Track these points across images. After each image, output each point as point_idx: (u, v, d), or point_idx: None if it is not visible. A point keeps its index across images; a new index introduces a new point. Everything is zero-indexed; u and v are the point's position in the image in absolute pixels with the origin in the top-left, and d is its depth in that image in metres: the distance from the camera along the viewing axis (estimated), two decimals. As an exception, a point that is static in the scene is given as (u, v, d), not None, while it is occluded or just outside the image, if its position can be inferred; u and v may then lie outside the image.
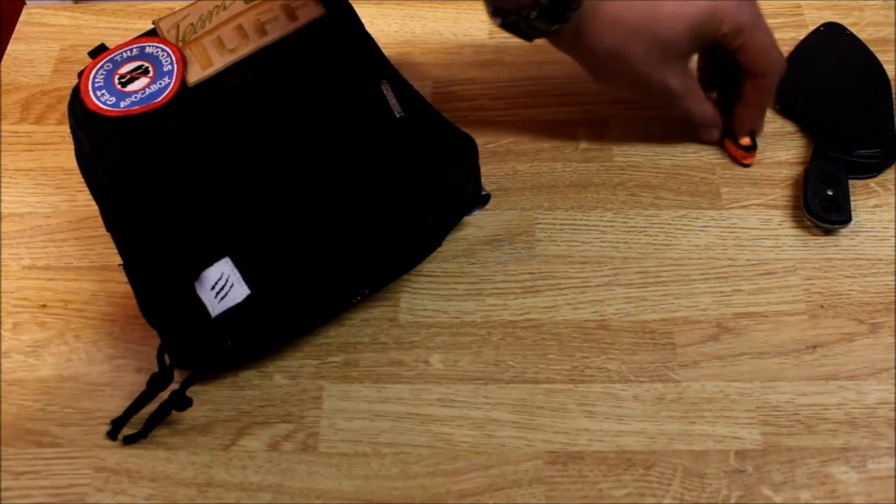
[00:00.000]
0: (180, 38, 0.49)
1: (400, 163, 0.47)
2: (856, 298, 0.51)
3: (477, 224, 0.54)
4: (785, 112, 0.59)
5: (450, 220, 0.51)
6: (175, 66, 0.47)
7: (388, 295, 0.52)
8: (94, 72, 0.49)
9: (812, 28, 0.63)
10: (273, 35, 0.49)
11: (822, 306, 0.51)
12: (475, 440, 0.47)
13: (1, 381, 0.49)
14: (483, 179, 0.56)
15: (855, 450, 0.46)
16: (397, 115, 0.47)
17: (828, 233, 0.53)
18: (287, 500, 0.45)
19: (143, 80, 0.47)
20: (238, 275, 0.44)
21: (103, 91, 0.48)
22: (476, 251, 0.53)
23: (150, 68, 0.47)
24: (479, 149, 0.57)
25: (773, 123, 0.59)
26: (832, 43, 0.62)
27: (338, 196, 0.45)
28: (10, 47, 0.65)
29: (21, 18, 0.66)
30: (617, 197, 0.56)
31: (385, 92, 0.47)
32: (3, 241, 0.54)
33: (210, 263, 0.44)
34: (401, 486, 0.45)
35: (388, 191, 0.46)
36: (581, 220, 0.55)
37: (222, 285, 0.43)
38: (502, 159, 0.57)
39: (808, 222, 0.54)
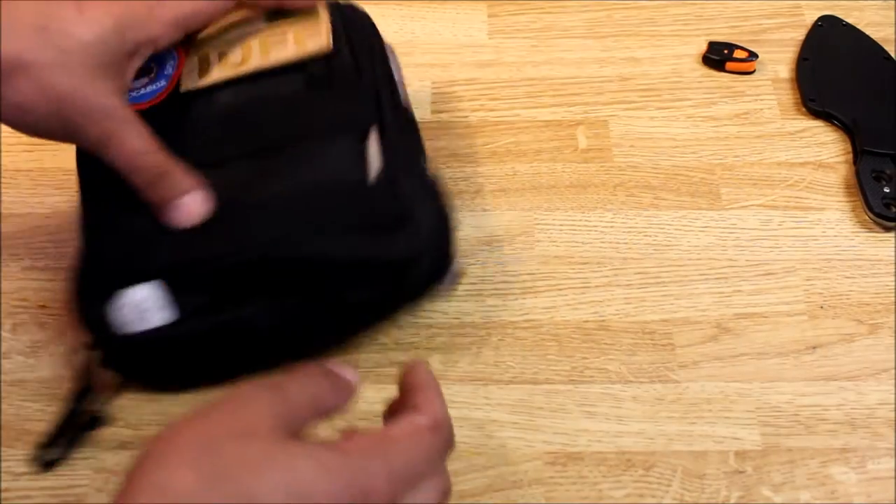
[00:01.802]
0: (192, 41, 0.48)
1: (346, 225, 0.43)
2: (856, 299, 0.51)
3: (477, 224, 0.54)
4: (817, 114, 0.59)
5: (400, 296, 0.46)
6: (175, 69, 0.46)
7: (387, 295, 0.52)
8: None
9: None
10: (277, 58, 0.46)
11: (821, 307, 0.51)
12: (475, 441, 0.47)
13: (1, 382, 0.49)
14: (483, 179, 0.56)
15: (854, 450, 0.46)
16: (370, 176, 0.43)
17: (888, 230, 0.54)
18: (287, 500, 0.45)
19: (143, 80, 0.46)
20: (164, 300, 0.42)
21: None
22: (476, 251, 0.53)
23: (154, 68, 0.47)
24: (479, 149, 0.58)
25: (773, 124, 0.59)
26: (835, 36, 0.63)
27: (271, 249, 0.42)
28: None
29: (21, 18, 0.66)
30: (617, 197, 0.56)
31: (368, 145, 0.44)
32: (3, 241, 0.54)
33: (139, 282, 0.41)
34: (400, 486, 0.45)
35: (320, 252, 0.42)
36: (581, 220, 0.55)
37: (146, 306, 0.41)
38: (502, 159, 0.57)
39: (862, 221, 0.54)
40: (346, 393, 0.37)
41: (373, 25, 0.52)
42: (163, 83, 0.46)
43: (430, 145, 0.58)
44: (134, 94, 0.46)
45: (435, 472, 0.35)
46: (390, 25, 0.65)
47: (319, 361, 0.38)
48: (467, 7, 0.66)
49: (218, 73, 0.46)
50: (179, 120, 0.45)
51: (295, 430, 0.33)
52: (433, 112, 0.60)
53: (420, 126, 0.59)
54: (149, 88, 0.46)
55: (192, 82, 0.46)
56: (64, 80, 0.40)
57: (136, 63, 0.43)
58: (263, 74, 0.45)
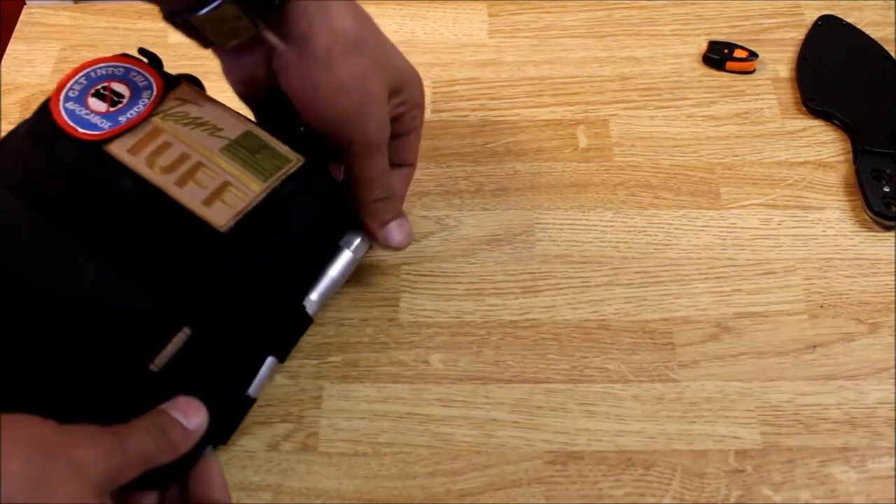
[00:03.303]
0: (160, 112, 0.46)
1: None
2: (856, 298, 0.51)
3: (477, 224, 0.54)
4: (817, 113, 0.59)
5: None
6: (126, 122, 0.45)
7: (387, 295, 0.52)
8: (95, 67, 0.48)
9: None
10: (182, 196, 0.43)
11: (822, 306, 0.51)
12: (475, 440, 0.47)
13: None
14: (483, 179, 0.56)
15: (855, 450, 0.46)
16: (152, 368, 0.40)
17: (888, 230, 0.54)
18: (287, 500, 0.45)
19: (103, 106, 0.45)
20: None
21: (79, 88, 0.46)
22: (476, 251, 0.53)
23: (123, 98, 0.46)
24: (479, 148, 0.58)
25: (773, 123, 0.59)
26: (835, 36, 0.63)
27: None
28: (10, 47, 0.65)
29: (21, 18, 0.66)
30: (617, 197, 0.56)
31: (174, 337, 0.41)
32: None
33: None
34: (400, 485, 0.45)
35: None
36: (581, 220, 0.55)
37: None
38: (502, 159, 0.57)
39: (863, 222, 0.54)
40: (181, 448, 0.40)
41: (334, 232, 0.49)
42: (106, 126, 0.44)
43: (430, 145, 0.58)
44: (82, 112, 0.45)
45: None
46: (390, 25, 0.65)
47: (161, 409, 0.39)
48: (467, 7, 0.66)
49: (141, 164, 0.44)
50: (76, 168, 0.44)
51: (117, 484, 0.36)
52: (433, 112, 0.60)
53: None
54: (95, 119, 0.45)
55: (121, 149, 0.44)
56: (377, 86, 0.44)
57: (399, 109, 0.47)
58: (165, 198, 0.43)
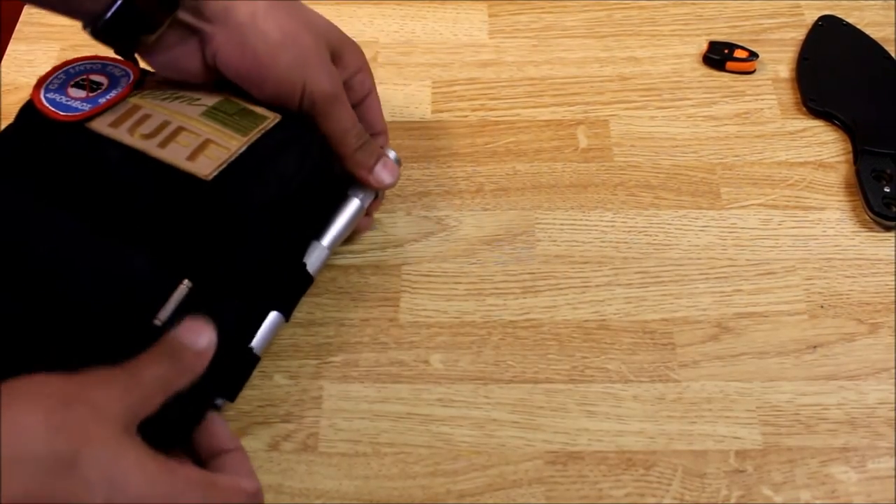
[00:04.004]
0: (138, 93, 0.47)
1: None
2: (856, 298, 0.51)
3: (477, 224, 0.54)
4: (817, 113, 0.59)
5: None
6: (104, 102, 0.46)
7: (387, 295, 0.52)
8: (71, 64, 0.49)
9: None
10: (166, 154, 0.45)
11: (822, 306, 0.51)
12: (475, 440, 0.47)
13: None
14: (483, 179, 0.56)
15: (855, 450, 0.46)
16: (156, 322, 0.40)
17: (888, 230, 0.54)
18: (287, 500, 0.45)
19: (82, 93, 0.47)
20: None
21: (58, 82, 0.48)
22: (476, 251, 0.53)
23: (101, 86, 0.47)
24: (479, 149, 0.58)
25: (773, 123, 0.59)
26: (835, 36, 0.63)
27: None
28: (10, 47, 0.65)
29: (21, 18, 0.66)
30: (617, 197, 0.56)
31: (175, 291, 0.41)
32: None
33: None
34: (400, 486, 0.45)
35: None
36: (581, 220, 0.55)
37: None
38: (502, 159, 0.57)
39: (864, 222, 0.54)
40: (196, 367, 0.39)
41: (324, 179, 0.49)
42: (86, 107, 0.46)
43: (429, 145, 0.58)
44: (63, 100, 0.46)
45: None
46: (390, 25, 0.65)
47: (170, 333, 0.39)
48: (468, 7, 0.66)
49: (123, 134, 0.45)
50: (63, 148, 0.45)
51: (142, 416, 0.36)
52: (433, 112, 0.60)
53: (420, 126, 0.59)
54: (76, 103, 0.46)
55: (102, 125, 0.46)
56: (311, 39, 0.46)
57: (345, 74, 0.48)
58: (149, 160, 0.44)
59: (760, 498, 0.44)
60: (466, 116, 0.60)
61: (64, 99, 0.47)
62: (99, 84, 0.47)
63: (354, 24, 0.65)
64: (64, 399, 0.34)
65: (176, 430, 0.41)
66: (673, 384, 0.48)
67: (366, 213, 0.52)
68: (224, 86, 0.47)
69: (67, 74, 0.48)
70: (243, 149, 0.45)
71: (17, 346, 0.40)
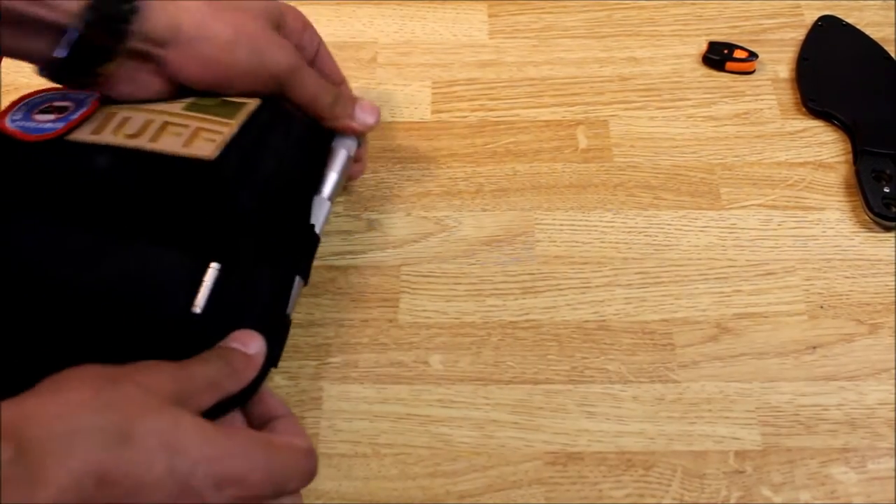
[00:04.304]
0: (112, 104, 0.47)
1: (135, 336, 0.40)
2: (856, 298, 0.51)
3: (477, 224, 0.54)
4: (817, 113, 0.59)
5: None
6: (78, 116, 0.45)
7: (387, 296, 0.52)
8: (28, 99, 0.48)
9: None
10: (161, 146, 0.44)
11: (821, 306, 0.51)
12: (475, 441, 0.47)
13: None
14: (483, 179, 0.56)
15: (855, 450, 0.46)
16: (195, 310, 0.40)
17: (888, 230, 0.54)
18: (287, 500, 0.45)
19: (51, 116, 0.46)
20: None
21: (21, 112, 0.47)
22: (476, 251, 0.53)
23: (68, 108, 0.46)
24: (479, 149, 0.58)
25: (773, 123, 0.59)
26: (835, 36, 0.63)
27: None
28: (9, 48, 0.65)
29: (21, 19, 0.66)
30: (617, 197, 0.56)
31: (204, 277, 0.41)
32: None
33: None
34: (400, 486, 0.45)
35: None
36: (581, 220, 0.55)
37: None
38: (502, 159, 0.57)
39: (863, 222, 0.54)
40: (247, 374, 0.40)
41: (321, 147, 0.51)
42: (60, 125, 0.45)
43: (429, 145, 0.58)
44: (32, 125, 0.45)
45: (296, 494, 0.39)
46: (390, 25, 0.65)
47: (219, 344, 0.40)
48: (467, 7, 0.66)
49: (108, 137, 0.45)
50: (48, 165, 0.44)
51: (192, 408, 0.36)
52: (433, 112, 0.60)
53: (420, 126, 0.59)
54: (47, 125, 0.45)
55: (84, 134, 0.45)
56: (258, 25, 0.47)
57: (294, 39, 0.50)
58: (144, 156, 0.44)
59: (760, 498, 0.44)
60: (466, 117, 0.60)
61: (32, 124, 0.45)
62: (65, 108, 0.46)
63: (354, 25, 0.65)
64: (112, 378, 0.34)
65: (234, 403, 0.41)
66: (672, 385, 0.48)
67: (355, 161, 0.53)
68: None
69: (28, 106, 0.47)
70: (236, 130, 0.45)
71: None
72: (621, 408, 0.48)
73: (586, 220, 0.55)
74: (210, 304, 0.40)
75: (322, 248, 0.53)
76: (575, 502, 0.45)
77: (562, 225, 0.54)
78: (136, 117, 0.46)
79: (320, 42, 0.52)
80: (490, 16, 0.65)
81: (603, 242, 0.54)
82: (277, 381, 0.49)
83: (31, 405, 0.33)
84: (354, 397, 0.48)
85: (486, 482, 0.45)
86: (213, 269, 0.41)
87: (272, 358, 0.44)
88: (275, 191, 0.45)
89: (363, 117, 0.51)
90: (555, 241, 0.54)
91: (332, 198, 0.50)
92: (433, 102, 0.60)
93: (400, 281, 0.52)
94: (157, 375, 0.36)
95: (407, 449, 0.46)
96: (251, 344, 0.41)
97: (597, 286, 0.52)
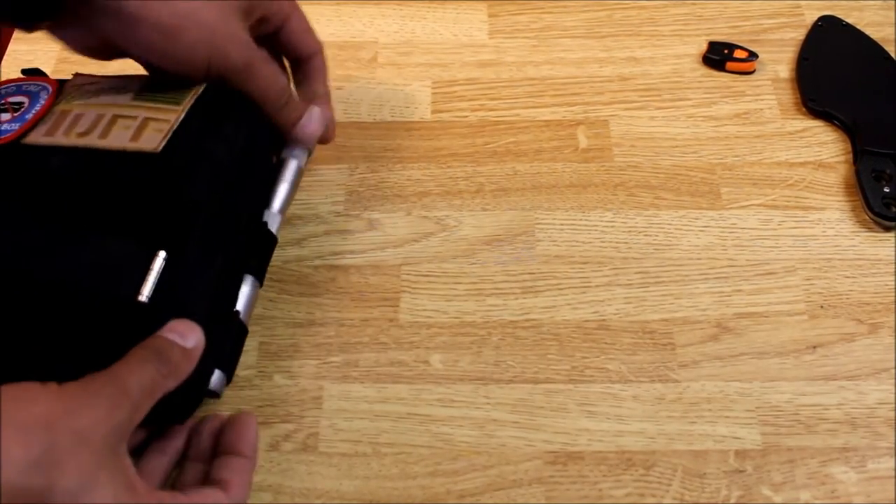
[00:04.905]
0: (62, 100, 0.48)
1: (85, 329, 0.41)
2: (856, 298, 0.51)
3: (477, 224, 0.54)
4: (817, 113, 0.59)
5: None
6: (32, 117, 0.47)
7: (387, 295, 0.52)
8: None
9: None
10: (109, 142, 0.45)
11: (822, 306, 0.51)
12: (475, 440, 0.47)
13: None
14: (483, 179, 0.56)
15: (855, 450, 0.46)
16: (141, 298, 0.41)
17: (888, 230, 0.54)
18: (287, 500, 0.45)
19: (6, 116, 0.47)
20: None
21: None
22: (476, 251, 0.53)
23: (23, 104, 0.47)
24: (479, 149, 0.58)
25: (773, 124, 0.59)
26: (835, 36, 0.63)
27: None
28: (10, 47, 0.65)
29: (21, 18, 0.66)
30: (617, 197, 0.56)
31: (152, 265, 0.41)
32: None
33: None
34: (401, 486, 0.45)
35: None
36: (581, 220, 0.55)
37: None
38: (502, 159, 0.57)
39: (863, 222, 0.54)
40: (184, 368, 0.40)
41: (265, 139, 0.50)
42: (16, 126, 0.46)
43: (429, 145, 0.58)
44: None
45: None
46: (390, 25, 0.65)
47: (155, 334, 0.39)
48: (467, 7, 0.66)
49: (61, 138, 0.46)
50: (4, 169, 0.45)
51: (133, 426, 0.37)
52: (433, 112, 0.60)
53: (420, 126, 0.59)
54: (2, 126, 0.46)
55: (38, 136, 0.46)
56: (213, 13, 0.45)
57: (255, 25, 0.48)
58: (95, 154, 0.45)
59: (760, 498, 0.44)
60: (466, 117, 0.60)
61: None
62: (20, 104, 0.47)
63: (354, 25, 0.65)
64: (47, 426, 0.34)
65: (175, 414, 0.41)
66: (673, 384, 0.48)
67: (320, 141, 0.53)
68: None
69: None
70: (182, 116, 0.46)
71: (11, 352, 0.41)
72: (621, 407, 0.48)
73: (586, 220, 0.55)
74: (157, 292, 0.41)
75: (322, 248, 0.53)
76: (575, 502, 0.45)
77: (562, 225, 0.54)
78: (88, 114, 0.47)
79: (291, 12, 0.50)
80: (490, 16, 0.65)
81: (603, 242, 0.54)
82: (278, 380, 0.49)
83: None
84: (355, 397, 0.48)
85: (487, 481, 0.45)
86: (160, 258, 0.41)
87: (221, 360, 0.44)
88: (226, 178, 0.46)
89: (305, 127, 0.50)
90: (555, 241, 0.54)
91: (282, 210, 0.50)
92: (433, 102, 0.60)
93: (400, 280, 0.52)
94: (96, 412, 0.35)
95: (407, 448, 0.46)
96: (190, 336, 0.40)
97: (597, 286, 0.52)
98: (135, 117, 0.46)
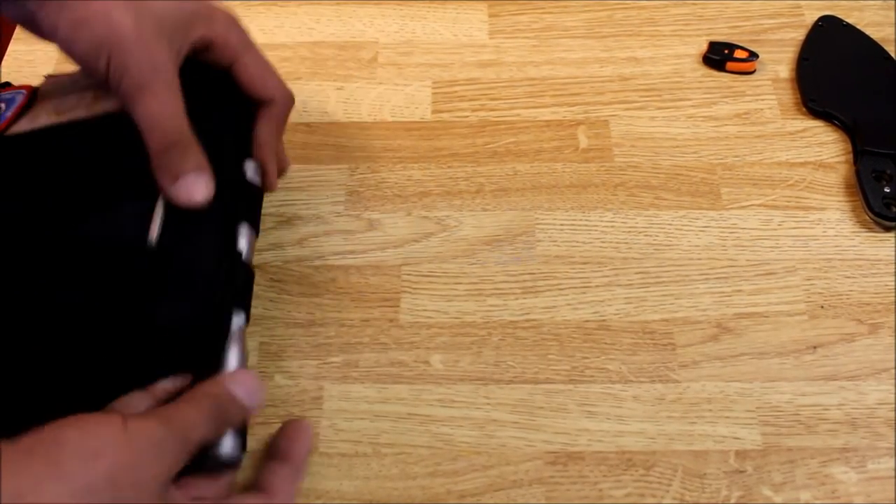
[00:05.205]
0: (39, 99, 0.48)
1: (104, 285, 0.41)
2: (856, 298, 0.51)
3: (477, 224, 0.54)
4: (817, 113, 0.59)
5: (143, 370, 0.41)
6: (10, 113, 0.47)
7: (388, 295, 0.52)
8: None
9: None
10: (100, 108, 0.45)
11: (822, 306, 0.51)
12: (475, 440, 0.47)
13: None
14: (483, 179, 0.56)
15: (855, 450, 0.46)
16: (150, 243, 0.41)
17: (888, 230, 0.54)
18: (287, 500, 0.45)
19: None
20: None
21: None
22: (476, 251, 0.53)
23: (1, 109, 0.48)
24: (479, 149, 0.58)
25: (773, 124, 0.59)
26: (835, 36, 0.63)
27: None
28: (10, 47, 0.65)
29: (21, 18, 0.66)
30: (617, 197, 0.56)
31: (155, 210, 0.42)
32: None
33: None
34: (401, 486, 0.45)
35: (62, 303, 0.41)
36: (581, 220, 0.55)
37: None
38: (503, 159, 0.57)
39: (863, 223, 0.54)
40: (234, 425, 0.40)
41: (230, 93, 0.48)
42: None
43: (429, 145, 0.58)
44: None
45: None
46: (390, 25, 0.65)
47: (224, 383, 0.40)
48: (467, 7, 0.66)
49: (44, 119, 0.46)
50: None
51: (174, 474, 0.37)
52: (433, 112, 0.60)
53: (420, 126, 0.59)
54: None
55: (21, 127, 0.46)
56: (130, 19, 0.41)
57: (188, 47, 0.44)
58: (84, 123, 0.45)
59: (760, 498, 0.44)
60: (467, 117, 0.60)
61: None
62: None
63: (355, 24, 0.65)
64: (114, 482, 0.34)
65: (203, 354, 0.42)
66: (673, 384, 0.48)
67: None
68: None
69: None
70: None
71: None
72: (622, 407, 0.48)
73: (587, 220, 0.55)
74: (163, 236, 0.42)
75: (322, 248, 0.53)
76: (575, 502, 0.45)
77: (562, 225, 0.54)
78: (68, 99, 0.47)
79: (243, 50, 0.46)
80: (490, 16, 0.65)
81: (603, 242, 0.54)
82: (278, 380, 0.49)
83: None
84: (355, 397, 0.48)
85: (487, 482, 0.45)
86: (160, 206, 0.42)
87: (242, 305, 0.45)
88: (215, 132, 0.44)
89: (190, 188, 0.41)
90: (555, 241, 0.54)
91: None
92: (433, 102, 0.60)
93: (401, 280, 0.52)
94: (157, 466, 0.36)
95: (407, 448, 0.46)
96: (255, 397, 0.40)
97: (597, 286, 0.52)
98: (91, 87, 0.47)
